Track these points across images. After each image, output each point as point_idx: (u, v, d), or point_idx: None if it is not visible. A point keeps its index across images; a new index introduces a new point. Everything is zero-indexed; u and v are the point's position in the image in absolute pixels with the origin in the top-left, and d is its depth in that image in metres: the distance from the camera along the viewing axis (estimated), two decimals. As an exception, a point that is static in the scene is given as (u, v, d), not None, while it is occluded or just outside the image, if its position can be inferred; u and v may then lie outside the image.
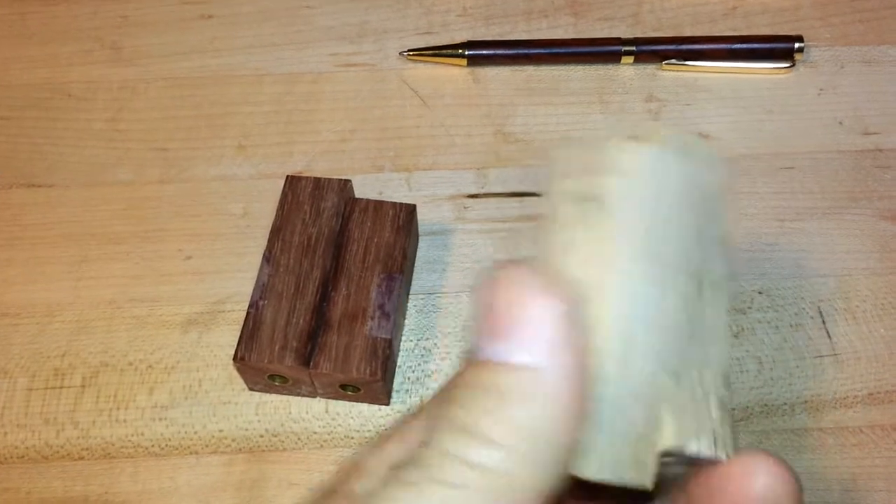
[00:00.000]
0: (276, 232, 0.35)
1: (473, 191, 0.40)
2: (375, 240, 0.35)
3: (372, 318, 0.32)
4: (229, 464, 0.33)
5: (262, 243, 0.38)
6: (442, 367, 0.35)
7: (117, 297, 0.37)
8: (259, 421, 0.34)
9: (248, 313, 0.32)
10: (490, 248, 0.38)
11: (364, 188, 0.40)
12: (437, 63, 0.44)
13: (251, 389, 0.34)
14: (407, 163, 0.41)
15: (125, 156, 0.42)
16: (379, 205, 0.35)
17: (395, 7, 0.47)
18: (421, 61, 0.44)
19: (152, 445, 0.33)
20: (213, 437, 0.33)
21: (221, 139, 0.42)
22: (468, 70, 0.44)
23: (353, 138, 0.42)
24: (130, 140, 0.42)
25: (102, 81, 0.44)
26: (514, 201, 0.40)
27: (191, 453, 0.33)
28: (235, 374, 0.35)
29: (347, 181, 0.36)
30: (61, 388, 0.35)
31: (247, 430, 0.34)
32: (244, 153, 0.42)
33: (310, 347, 0.32)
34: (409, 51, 0.44)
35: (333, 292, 0.33)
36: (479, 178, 0.40)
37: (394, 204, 0.35)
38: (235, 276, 0.37)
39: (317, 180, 0.36)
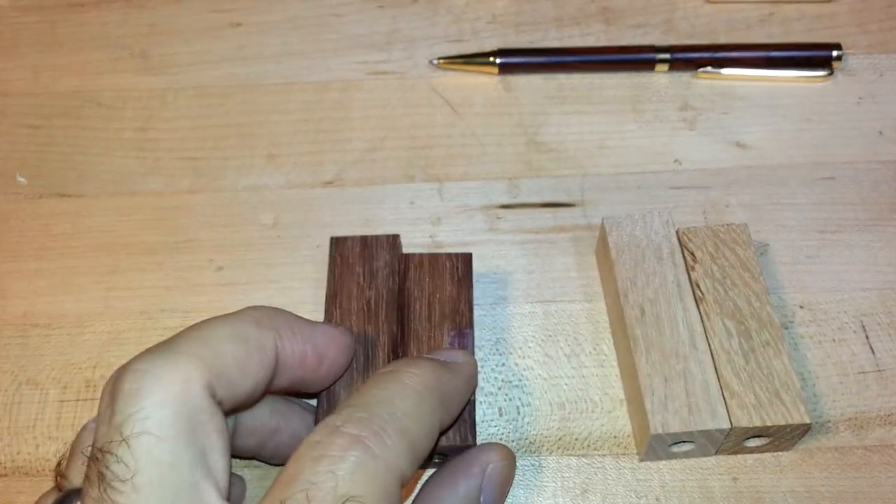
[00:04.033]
0: (333, 299, 0.33)
1: (505, 201, 0.39)
2: (438, 295, 0.33)
3: None
4: (264, 478, 0.32)
5: (293, 253, 0.38)
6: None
7: (148, 307, 0.37)
8: (292, 435, 0.33)
9: (320, 395, 0.31)
10: (522, 259, 0.38)
11: (395, 198, 0.40)
12: (467, 71, 0.44)
13: None
14: (438, 172, 0.41)
15: (155, 165, 0.41)
16: (434, 258, 0.34)
17: (424, 15, 0.46)
18: (451, 69, 0.44)
19: (185, 459, 0.33)
20: (247, 451, 0.33)
21: (251, 148, 0.42)
22: (499, 78, 0.43)
23: (384, 147, 0.41)
24: (160, 149, 0.42)
25: (132, 90, 0.44)
26: (547, 212, 0.39)
27: (223, 467, 0.33)
28: (268, 387, 0.34)
29: (396, 236, 0.34)
30: (93, 399, 0.34)
31: (280, 444, 0.33)
32: (274, 162, 0.41)
33: None
34: (440, 59, 0.44)
35: (405, 357, 0.32)
36: (511, 187, 0.40)
37: (449, 255, 0.34)
38: (267, 287, 0.37)
39: (363, 239, 0.34)
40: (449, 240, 0.38)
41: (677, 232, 0.34)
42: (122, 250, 0.39)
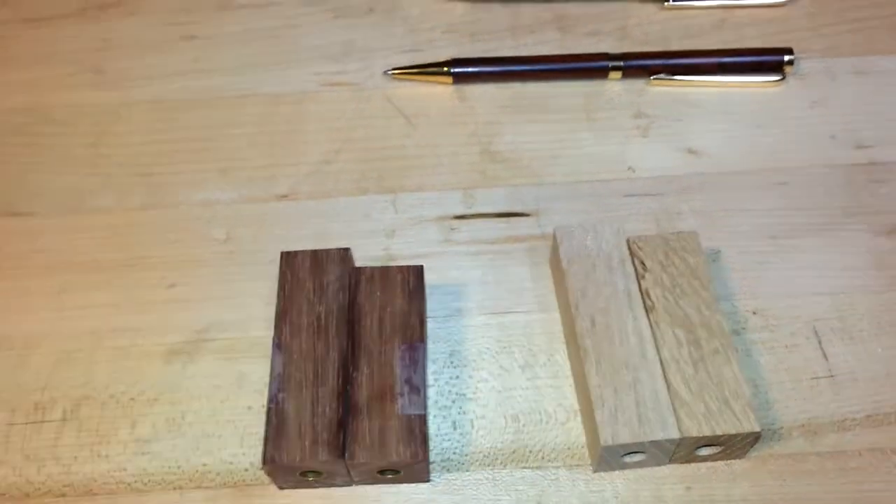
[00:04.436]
0: (283, 315, 0.33)
1: (460, 211, 0.39)
2: (388, 309, 0.33)
3: (401, 395, 0.31)
4: (213, 499, 0.32)
5: (246, 269, 0.38)
6: (433, 396, 0.34)
7: (99, 327, 0.36)
8: (244, 454, 0.33)
9: (268, 409, 0.30)
10: (477, 270, 0.37)
11: (349, 211, 0.39)
12: (422, 81, 0.43)
13: (281, 488, 0.32)
14: (392, 184, 0.40)
15: (107, 182, 0.41)
16: (385, 271, 0.34)
17: (379, 25, 0.46)
18: (406, 80, 0.44)
19: (135, 481, 0.32)
20: (197, 471, 0.33)
21: (205, 163, 0.41)
22: (454, 88, 0.43)
23: (338, 160, 0.41)
24: (113, 165, 0.41)
25: (84, 105, 0.44)
26: (502, 222, 0.39)
27: (174, 489, 0.32)
28: (220, 406, 0.34)
29: (346, 249, 0.34)
30: (42, 422, 0.34)
31: (231, 463, 0.33)
32: (227, 177, 0.41)
33: (342, 437, 0.30)
34: (394, 69, 0.43)
35: (355, 373, 0.32)
36: (465, 198, 0.40)
37: (400, 268, 0.34)
38: (220, 304, 0.37)
39: (314, 253, 0.34)
40: (403, 252, 0.38)
41: (628, 241, 0.34)
42: (73, 269, 0.38)
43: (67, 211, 0.40)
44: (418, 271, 0.34)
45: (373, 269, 0.34)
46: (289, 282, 0.34)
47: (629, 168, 0.40)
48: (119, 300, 0.37)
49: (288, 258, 0.34)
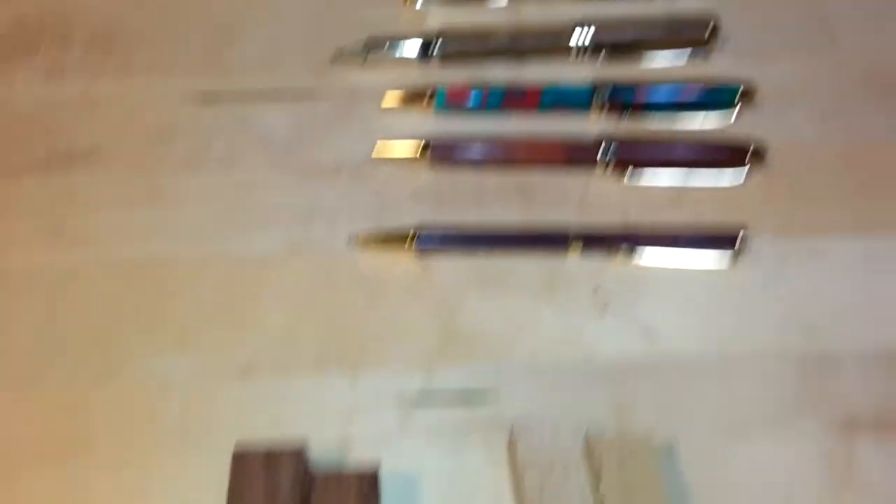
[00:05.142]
0: None
1: (419, 389, 0.39)
2: None
3: None
4: None
5: (198, 453, 0.37)
6: None
7: (42, 519, 0.35)
8: None
9: None
10: (433, 459, 0.37)
11: (306, 390, 0.39)
12: (386, 250, 0.44)
13: None
14: (352, 359, 0.40)
15: (59, 353, 0.40)
16: (340, 478, 0.34)
17: (344, 188, 0.46)
18: (370, 248, 0.44)
19: None
20: None
21: (164, 328, 0.41)
22: (417, 257, 0.44)
23: (298, 331, 0.41)
24: (67, 331, 0.41)
25: (42, 264, 0.43)
26: (461, 405, 0.39)
27: None
28: None
29: (301, 450, 0.34)
30: None
31: None
32: (185, 347, 0.40)
33: None
34: (358, 237, 0.44)
35: None
36: (425, 376, 0.40)
37: (357, 474, 0.34)
38: (167, 498, 0.36)
39: (267, 454, 0.34)
40: (361, 435, 0.38)
41: (585, 440, 0.34)
42: (17, 455, 0.37)
43: (14, 387, 0.39)
44: (373, 478, 0.34)
45: (327, 475, 0.34)
46: (239, 485, 0.33)
47: (587, 349, 0.40)
48: (65, 492, 0.36)
49: (239, 460, 0.34)
